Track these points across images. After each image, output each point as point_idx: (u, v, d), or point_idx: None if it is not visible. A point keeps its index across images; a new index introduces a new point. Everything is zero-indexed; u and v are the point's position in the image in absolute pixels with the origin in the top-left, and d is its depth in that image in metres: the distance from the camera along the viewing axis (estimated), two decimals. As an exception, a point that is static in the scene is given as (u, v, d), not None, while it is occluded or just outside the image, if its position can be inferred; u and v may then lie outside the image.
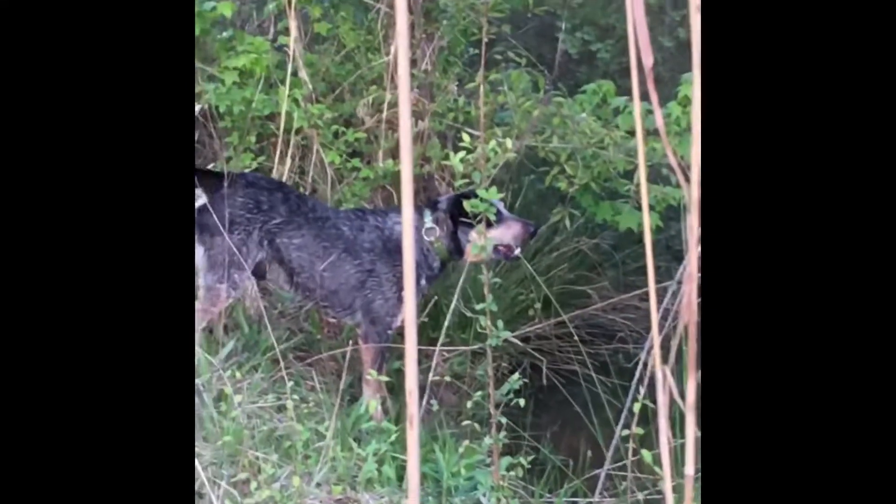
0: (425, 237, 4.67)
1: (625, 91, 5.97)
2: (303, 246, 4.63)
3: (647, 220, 1.37)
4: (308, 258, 4.64)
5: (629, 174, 5.77)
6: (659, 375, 1.38)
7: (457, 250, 4.67)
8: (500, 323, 3.78)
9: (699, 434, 1.54)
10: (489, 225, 4.16)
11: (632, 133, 5.62)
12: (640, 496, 4.07)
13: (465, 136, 3.87)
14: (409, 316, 1.24)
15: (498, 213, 4.37)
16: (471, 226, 4.39)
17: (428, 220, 4.67)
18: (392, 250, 4.63)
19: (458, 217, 4.59)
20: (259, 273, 4.73)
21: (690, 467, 1.39)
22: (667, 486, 1.52)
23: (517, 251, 4.72)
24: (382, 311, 4.68)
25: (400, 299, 4.67)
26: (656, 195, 5.66)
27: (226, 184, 4.55)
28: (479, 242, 4.28)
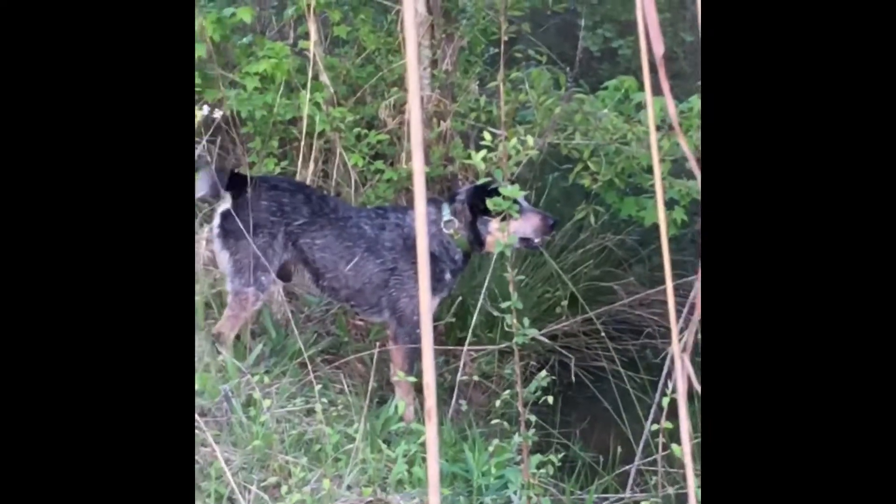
0: (444, 230, 4.66)
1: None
2: (326, 246, 4.64)
3: (662, 213, 1.36)
4: (332, 258, 4.65)
5: (653, 169, 5.75)
6: (678, 363, 1.38)
7: (477, 242, 4.67)
8: (527, 321, 3.77)
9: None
10: (509, 217, 4.14)
11: (656, 128, 5.60)
12: (671, 490, 4.05)
13: (487, 135, 3.86)
14: (424, 308, 1.24)
15: (518, 206, 4.36)
16: (490, 217, 4.48)
17: (447, 213, 4.67)
18: (413, 248, 4.62)
19: (477, 209, 4.59)
20: (285, 276, 4.73)
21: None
22: (688, 472, 1.51)
23: (537, 241, 4.72)
24: (408, 310, 4.67)
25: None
26: (680, 189, 5.64)
27: (249, 188, 4.56)
28: (501, 239, 4.24)
